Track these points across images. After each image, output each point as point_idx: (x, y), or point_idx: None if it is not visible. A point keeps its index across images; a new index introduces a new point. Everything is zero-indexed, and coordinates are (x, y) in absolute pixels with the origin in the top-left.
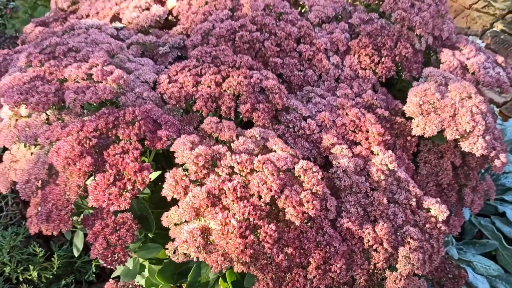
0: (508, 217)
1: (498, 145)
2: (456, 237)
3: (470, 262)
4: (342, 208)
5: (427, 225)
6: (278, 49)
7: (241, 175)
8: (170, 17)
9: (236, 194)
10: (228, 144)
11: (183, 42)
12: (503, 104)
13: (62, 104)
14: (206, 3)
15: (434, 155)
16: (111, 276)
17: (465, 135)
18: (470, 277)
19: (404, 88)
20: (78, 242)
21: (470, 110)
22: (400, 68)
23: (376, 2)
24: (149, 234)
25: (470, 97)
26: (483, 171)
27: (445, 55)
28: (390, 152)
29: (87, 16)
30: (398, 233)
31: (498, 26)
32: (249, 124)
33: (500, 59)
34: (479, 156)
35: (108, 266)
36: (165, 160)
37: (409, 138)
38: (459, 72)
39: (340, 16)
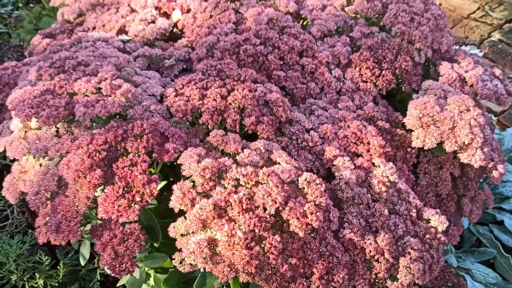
0: (506, 226)
1: (496, 156)
2: (455, 245)
3: (469, 270)
4: (345, 219)
5: (427, 236)
6: (281, 62)
7: (246, 187)
8: (175, 30)
9: (242, 206)
10: (233, 157)
11: (188, 55)
12: (501, 113)
13: (72, 118)
14: (211, 16)
15: (433, 166)
16: (117, 285)
17: (464, 147)
18: (469, 284)
19: (404, 99)
20: (85, 251)
21: (468, 122)
22: (400, 80)
23: (377, 16)
24: (155, 244)
25: (468, 110)
26: (481, 180)
27: (444, 68)
28: (391, 164)
29: (94, 28)
30: (399, 244)
31: (496, 36)
32: (253, 137)
33: (497, 71)
34: (477, 167)
35: (116, 276)
36: (170, 170)
37: (409, 149)
38: (457, 84)
39: (341, 30)
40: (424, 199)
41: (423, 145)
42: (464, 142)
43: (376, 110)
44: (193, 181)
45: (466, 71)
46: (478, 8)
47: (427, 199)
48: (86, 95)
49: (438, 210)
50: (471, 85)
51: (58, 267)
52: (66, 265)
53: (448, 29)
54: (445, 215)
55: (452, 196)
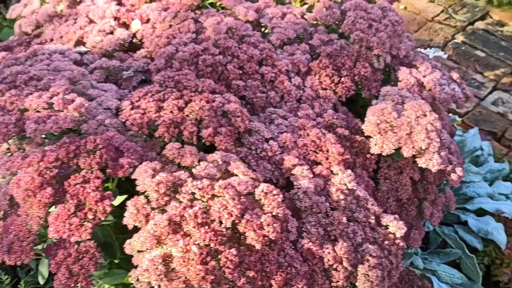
0: (470, 226)
1: (455, 159)
2: (422, 247)
3: (435, 271)
4: (303, 229)
5: (386, 242)
6: (241, 71)
7: (202, 201)
8: (134, 40)
9: (197, 220)
10: (190, 170)
11: (147, 66)
12: (465, 114)
13: (24, 134)
14: (170, 26)
15: (393, 171)
16: None
17: (421, 152)
18: (435, 286)
19: (366, 104)
20: (44, 269)
21: (425, 128)
22: (360, 86)
23: (336, 23)
24: (115, 260)
25: (425, 115)
26: (444, 182)
27: (402, 73)
28: (349, 171)
29: (51, 40)
30: (358, 251)
31: (459, 38)
32: (213, 148)
33: (455, 75)
34: (435, 171)
35: None
36: (130, 184)
37: (368, 156)
38: (416, 89)
39: (301, 37)
40: (385, 205)
41: (381, 151)
42: (421, 147)
43: (335, 117)
44: (147, 197)
45: (424, 76)
46: (442, 11)
47: (388, 204)
48: (38, 111)
49: (396, 216)
50: (429, 90)
51: (19, 286)
52: (28, 283)
53: (407, 34)
54: (406, 219)
55: (413, 200)
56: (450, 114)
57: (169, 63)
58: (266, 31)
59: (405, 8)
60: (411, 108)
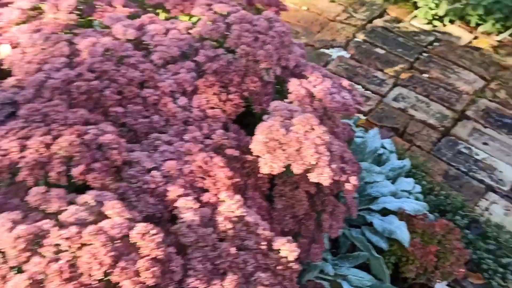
0: (375, 227)
1: (349, 168)
2: (333, 251)
3: (345, 276)
4: (189, 266)
5: (279, 267)
6: (120, 96)
7: (69, 252)
8: (4, 67)
9: (63, 276)
10: (57, 216)
11: (16, 97)
12: (369, 112)
13: None
14: (43, 50)
15: (289, 187)
16: None
17: (312, 167)
18: None
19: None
20: None
21: (314, 142)
22: (252, 101)
23: (222, 37)
24: None
25: (313, 129)
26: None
27: (292, 85)
28: (237, 196)
29: None
30: (250, 281)
31: (360, 36)
32: (88, 186)
33: (345, 82)
34: (328, 184)
35: None
36: None
37: (260, 175)
38: (307, 100)
39: (188, 54)
40: (282, 223)
41: (271, 171)
42: (311, 163)
43: (225, 137)
44: (3, 253)
45: (314, 86)
46: (343, 10)
47: (285, 222)
48: None
49: (290, 237)
50: (320, 100)
51: None
52: None
53: (299, 42)
54: (306, 235)
55: (311, 215)
56: (356, 114)
57: (39, 93)
58: (149, 50)
59: (308, 9)
60: (299, 123)
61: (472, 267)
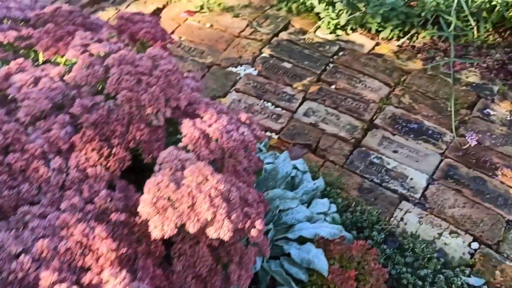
0: (293, 258)
1: (254, 211)
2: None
3: None
4: None
5: None
6: None
7: None
8: None
9: None
10: None
11: None
12: (281, 130)
13: None
14: None
15: (189, 243)
16: None
17: (209, 222)
18: None
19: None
20: None
21: (208, 194)
22: (142, 150)
23: (100, 82)
24: None
25: (207, 179)
26: None
27: (185, 127)
28: (123, 273)
29: None
30: None
31: (266, 51)
32: None
33: (243, 116)
34: (228, 238)
35: None
36: None
37: (153, 239)
38: (202, 142)
39: (63, 104)
40: (183, 286)
41: (163, 234)
42: (207, 218)
43: (109, 199)
44: None
45: (209, 125)
46: (247, 25)
47: (186, 284)
48: None
49: None
50: (217, 140)
51: None
52: None
53: (192, 75)
54: None
55: (216, 270)
56: (268, 133)
57: None
58: (17, 105)
59: (211, 26)
60: (191, 175)
61: (393, 283)
